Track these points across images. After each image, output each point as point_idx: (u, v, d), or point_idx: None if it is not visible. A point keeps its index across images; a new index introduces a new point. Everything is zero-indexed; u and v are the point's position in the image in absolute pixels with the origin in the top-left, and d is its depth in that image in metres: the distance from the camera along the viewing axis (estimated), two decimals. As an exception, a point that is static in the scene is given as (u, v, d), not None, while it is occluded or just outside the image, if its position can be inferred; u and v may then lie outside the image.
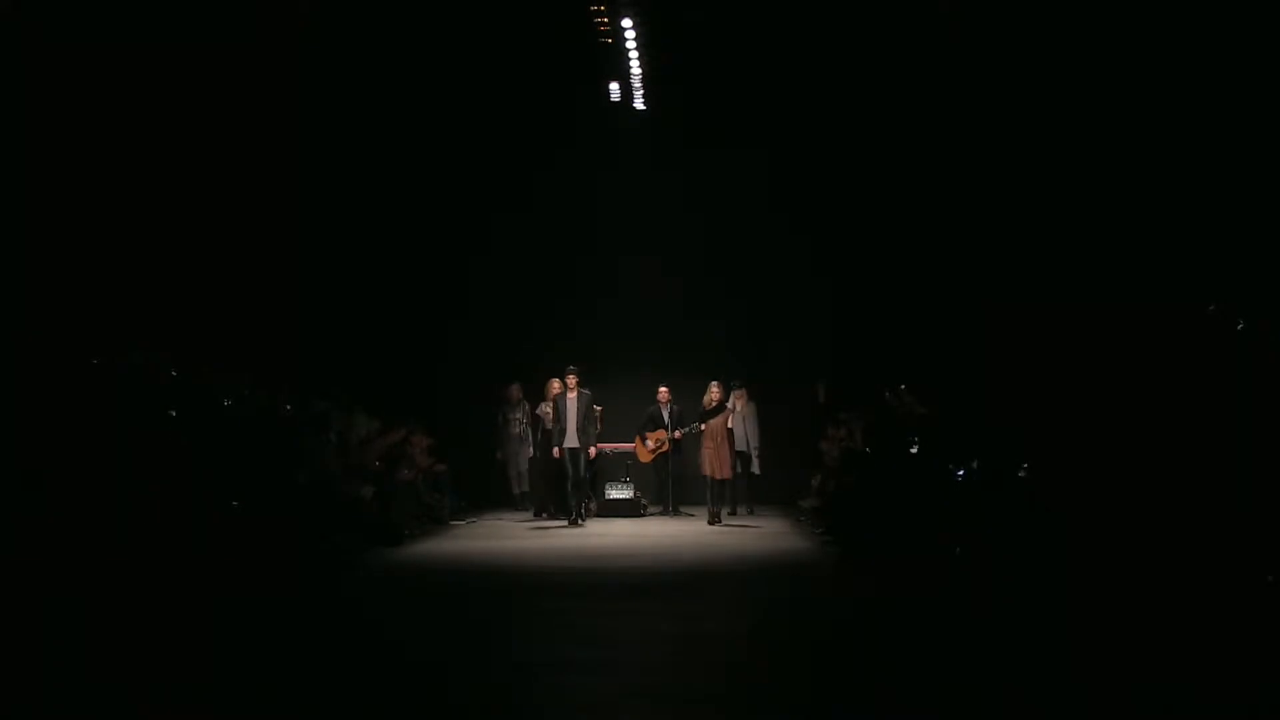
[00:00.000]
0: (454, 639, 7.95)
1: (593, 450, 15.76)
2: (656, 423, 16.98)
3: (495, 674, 6.75)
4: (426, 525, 14.54)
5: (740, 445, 16.56)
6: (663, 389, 17.00)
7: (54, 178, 13.31)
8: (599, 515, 16.75)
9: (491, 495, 17.61)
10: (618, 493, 17.15)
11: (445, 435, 16.56)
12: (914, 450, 11.49)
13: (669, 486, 16.98)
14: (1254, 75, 11.08)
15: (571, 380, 15.63)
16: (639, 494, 17.25)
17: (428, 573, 11.09)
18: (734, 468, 16.13)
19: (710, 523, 15.28)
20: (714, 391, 15.93)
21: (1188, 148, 12.05)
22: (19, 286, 11.85)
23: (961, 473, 10.28)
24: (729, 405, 16.12)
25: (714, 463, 15.66)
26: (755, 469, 16.96)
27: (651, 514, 17.14)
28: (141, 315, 13.51)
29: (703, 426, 15.86)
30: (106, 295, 13.60)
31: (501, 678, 6.66)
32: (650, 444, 17.01)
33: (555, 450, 15.72)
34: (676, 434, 16.64)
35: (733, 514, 16.35)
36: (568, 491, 15.68)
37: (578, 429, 15.48)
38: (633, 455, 17.40)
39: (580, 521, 15.50)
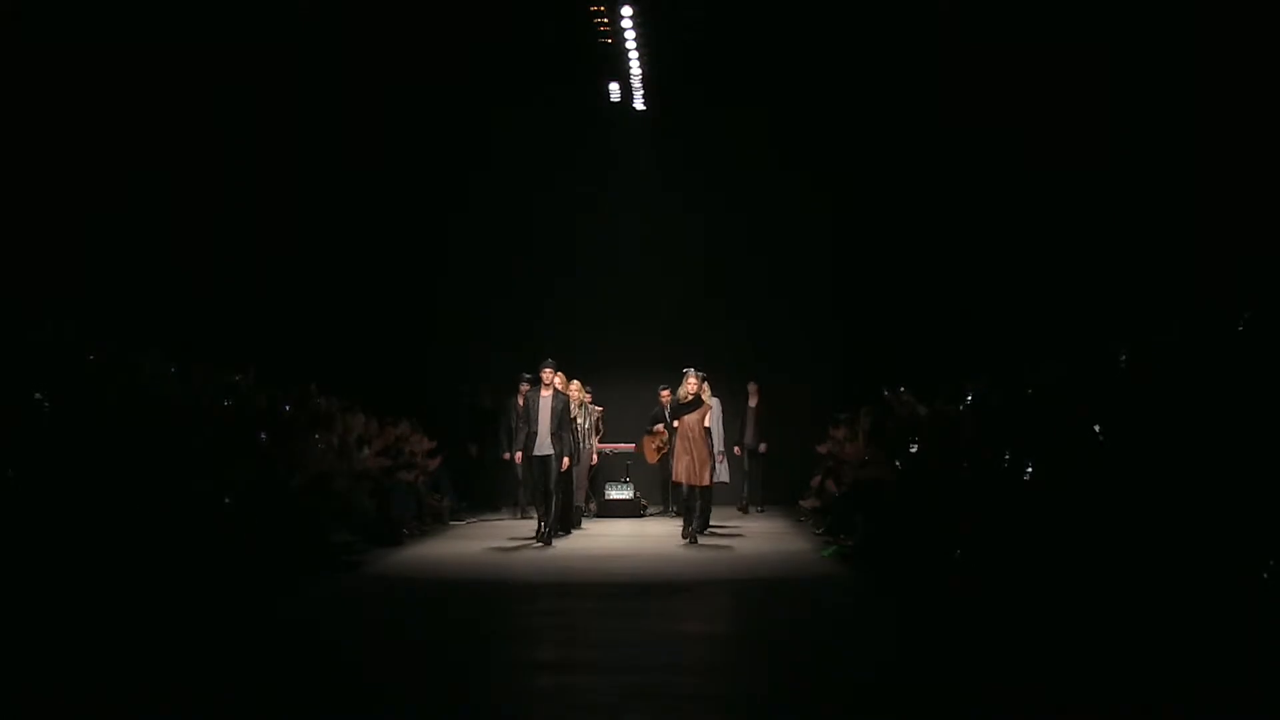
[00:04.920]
0: (454, 639, 7.93)
1: (565, 461, 13.51)
2: (659, 422, 16.93)
3: (495, 674, 6.73)
4: (426, 525, 14.52)
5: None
6: (664, 391, 16.94)
7: (54, 177, 13.32)
8: (598, 515, 16.73)
9: (495, 495, 17.55)
10: (618, 493, 17.13)
11: (444, 436, 16.51)
12: (914, 450, 11.47)
13: (669, 487, 16.95)
14: (1254, 71, 11.07)
15: (547, 375, 13.51)
16: (639, 494, 17.24)
17: (427, 573, 11.07)
18: (713, 474, 14.05)
19: (684, 537, 13.30)
20: (690, 383, 13.78)
21: (1190, 147, 12.04)
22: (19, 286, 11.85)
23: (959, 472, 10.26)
24: (707, 400, 14.03)
25: (688, 468, 13.48)
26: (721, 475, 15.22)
27: (651, 514, 17.13)
28: (140, 315, 13.51)
29: (675, 423, 13.87)
30: (105, 295, 13.61)
31: (501, 678, 6.64)
32: (655, 444, 16.90)
33: (517, 455, 13.82)
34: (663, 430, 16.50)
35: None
36: (535, 504, 13.67)
37: (550, 434, 13.36)
38: (632, 455, 17.40)
39: (550, 543, 13.07)
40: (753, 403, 17.16)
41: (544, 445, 13.33)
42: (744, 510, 16.97)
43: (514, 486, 16.75)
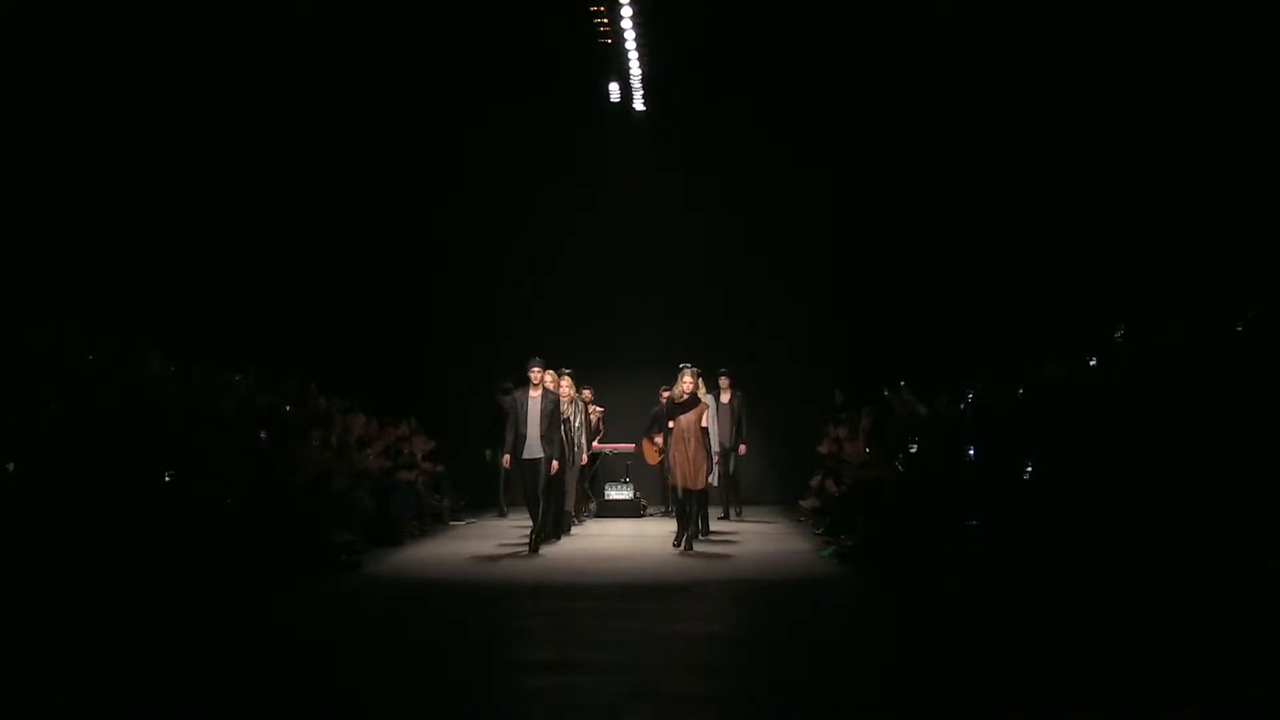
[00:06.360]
0: (454, 640, 7.93)
1: (555, 465, 12.72)
2: (660, 423, 16.84)
3: (496, 674, 6.73)
4: (426, 525, 14.52)
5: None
6: (666, 392, 16.87)
7: (54, 177, 13.33)
8: (598, 515, 16.70)
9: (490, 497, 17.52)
10: (617, 493, 17.09)
11: (444, 436, 16.49)
12: (914, 450, 11.48)
13: (668, 487, 16.89)
14: (1254, 71, 11.07)
15: (535, 375, 12.65)
16: (639, 494, 17.21)
17: (427, 573, 11.07)
18: (709, 476, 13.25)
19: (676, 545, 12.59)
20: (685, 382, 12.99)
21: (1190, 147, 12.04)
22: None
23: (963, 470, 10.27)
24: (704, 398, 13.36)
25: (684, 470, 12.69)
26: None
27: (651, 514, 17.11)
28: (140, 315, 13.52)
29: (671, 424, 13.08)
30: (105, 295, 13.61)
31: (501, 678, 6.64)
32: (657, 444, 16.77)
33: (505, 459, 12.88)
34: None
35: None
36: (532, 511, 12.68)
37: (540, 436, 12.53)
38: (632, 455, 17.33)
39: (538, 550, 12.39)
40: (725, 398, 15.96)
41: (533, 448, 12.54)
42: (728, 516, 16.38)
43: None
